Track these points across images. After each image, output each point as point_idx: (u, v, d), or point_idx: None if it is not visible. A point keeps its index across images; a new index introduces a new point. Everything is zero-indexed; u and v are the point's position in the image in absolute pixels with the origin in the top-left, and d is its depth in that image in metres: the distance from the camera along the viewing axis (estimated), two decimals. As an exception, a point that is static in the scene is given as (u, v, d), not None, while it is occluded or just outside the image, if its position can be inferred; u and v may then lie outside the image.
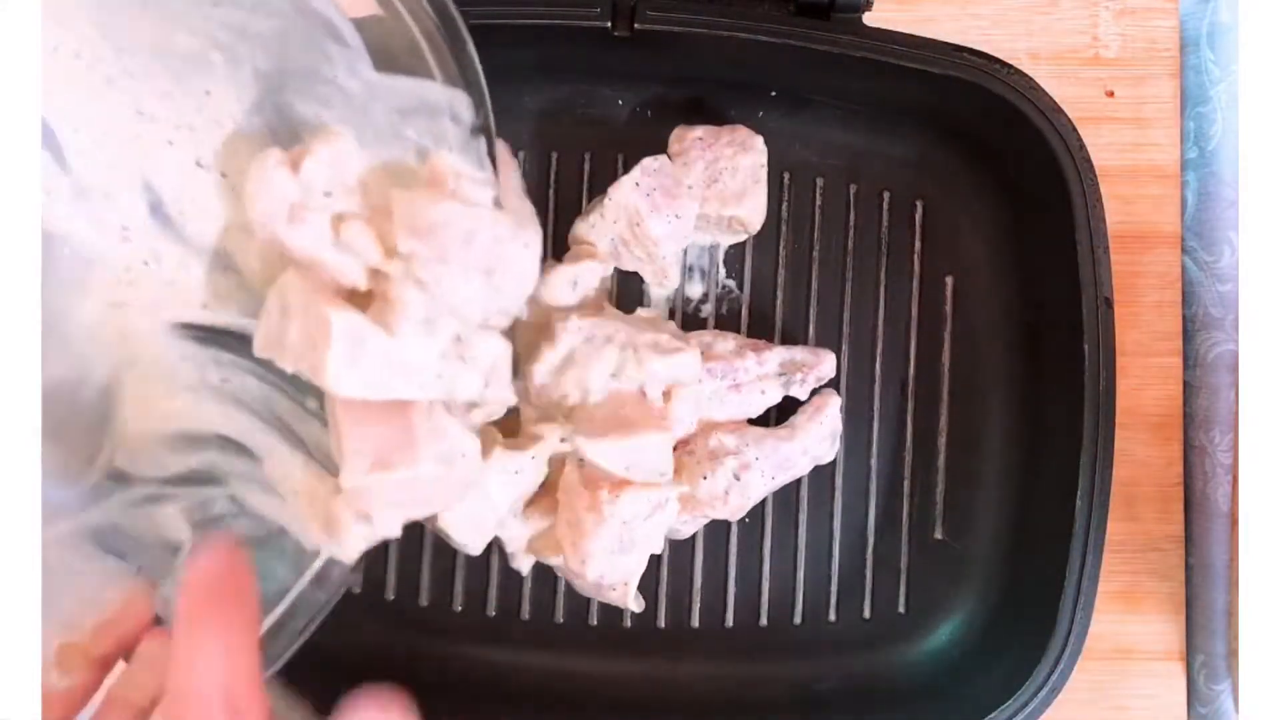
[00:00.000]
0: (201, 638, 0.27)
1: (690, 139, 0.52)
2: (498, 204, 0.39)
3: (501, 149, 0.52)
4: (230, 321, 0.38)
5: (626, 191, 0.50)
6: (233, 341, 0.38)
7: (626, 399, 0.49)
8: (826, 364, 0.51)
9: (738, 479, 0.49)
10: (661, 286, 0.53)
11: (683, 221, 0.50)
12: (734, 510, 0.50)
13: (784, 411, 0.52)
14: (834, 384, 0.53)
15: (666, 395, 0.49)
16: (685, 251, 0.53)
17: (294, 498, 0.37)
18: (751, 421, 0.52)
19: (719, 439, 0.50)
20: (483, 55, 0.52)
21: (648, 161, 0.50)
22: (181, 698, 0.27)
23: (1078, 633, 0.47)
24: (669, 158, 0.51)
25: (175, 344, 0.38)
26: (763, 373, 0.51)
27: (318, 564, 0.39)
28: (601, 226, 0.51)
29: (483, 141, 0.40)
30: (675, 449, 0.50)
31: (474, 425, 0.47)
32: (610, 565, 0.48)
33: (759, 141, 0.52)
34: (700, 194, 0.51)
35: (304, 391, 0.38)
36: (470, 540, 0.49)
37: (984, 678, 0.49)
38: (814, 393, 0.52)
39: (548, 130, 0.54)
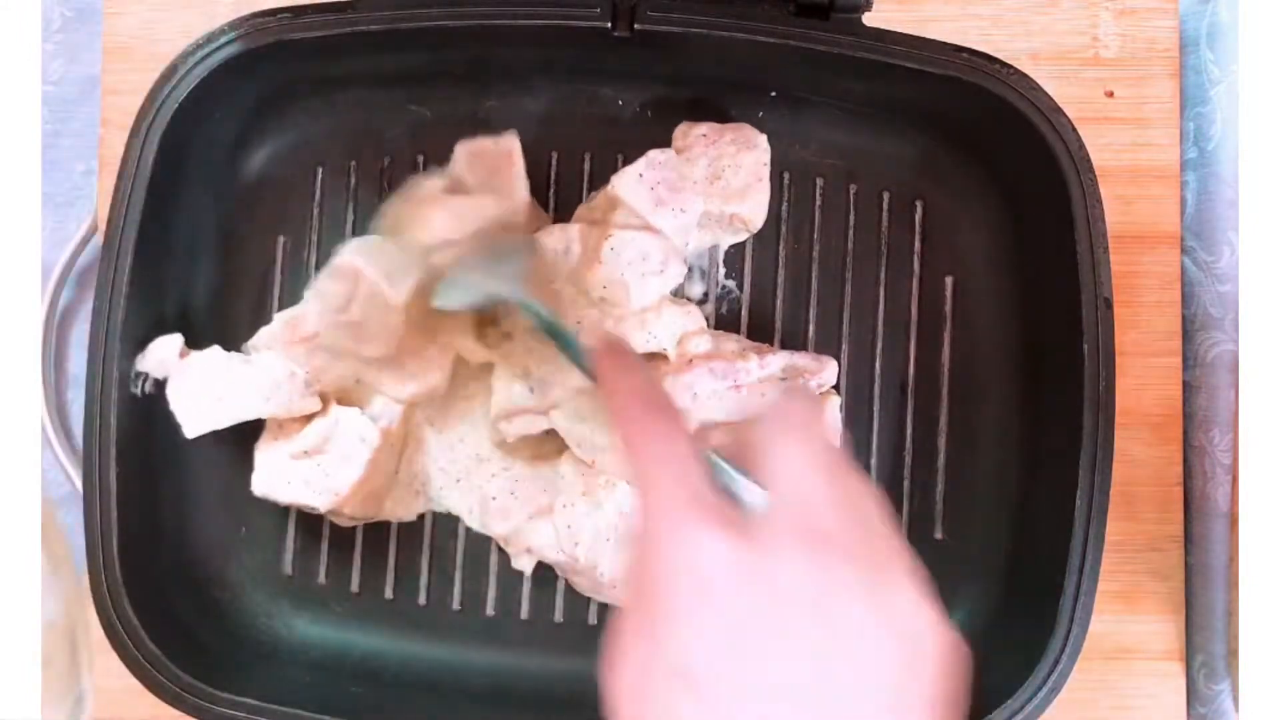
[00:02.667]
0: (629, 370, 0.37)
1: (694, 135, 0.52)
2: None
3: (509, 140, 0.52)
4: None
5: (630, 183, 0.50)
6: None
7: None
8: (828, 370, 0.51)
9: None
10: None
11: (688, 216, 0.50)
12: None
13: (784, 411, 0.52)
14: (834, 384, 0.53)
15: (682, 350, 0.50)
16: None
17: None
18: (751, 422, 0.52)
19: (717, 441, 0.50)
20: (484, 55, 0.52)
21: (654, 154, 0.50)
22: (622, 399, 0.35)
23: (1077, 633, 0.47)
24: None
25: None
26: (764, 375, 0.51)
27: None
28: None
29: None
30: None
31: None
32: (601, 553, 0.48)
33: (763, 140, 0.52)
34: (703, 189, 0.51)
35: None
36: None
37: (984, 678, 0.49)
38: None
39: (548, 130, 0.54)
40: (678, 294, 0.53)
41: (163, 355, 0.48)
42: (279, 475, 0.49)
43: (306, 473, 0.49)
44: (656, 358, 0.50)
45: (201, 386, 0.48)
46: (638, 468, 0.33)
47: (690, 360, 0.50)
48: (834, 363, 0.51)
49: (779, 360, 0.51)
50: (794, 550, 0.30)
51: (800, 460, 0.33)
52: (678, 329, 0.50)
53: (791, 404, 0.36)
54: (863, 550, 0.31)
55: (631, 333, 0.49)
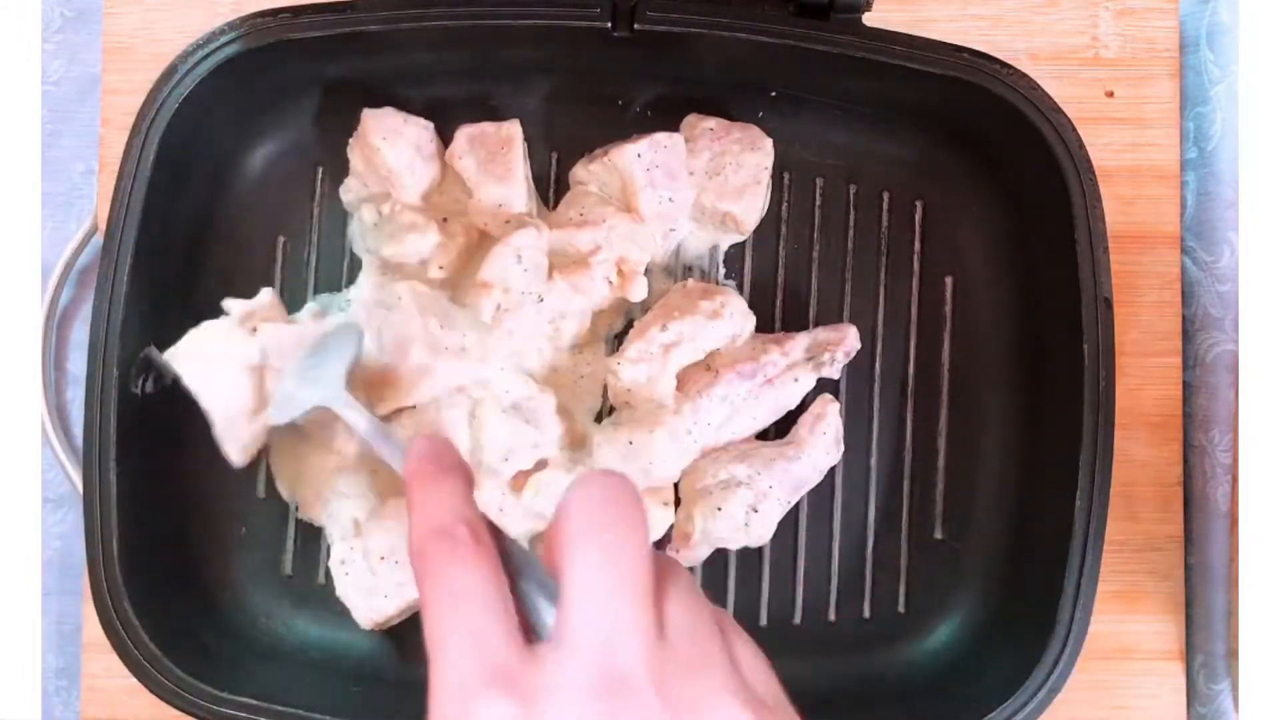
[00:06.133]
0: (431, 487, 0.31)
1: (701, 128, 0.52)
2: None
3: (510, 126, 0.52)
4: None
5: (628, 159, 0.50)
6: None
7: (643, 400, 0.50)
8: (851, 337, 0.51)
9: (756, 511, 0.49)
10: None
11: (675, 206, 0.50)
12: (757, 538, 0.50)
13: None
14: (834, 384, 0.53)
15: (706, 363, 0.50)
16: (679, 248, 0.53)
17: None
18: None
19: (728, 470, 0.50)
20: (484, 55, 0.52)
21: (660, 136, 0.50)
22: (417, 525, 0.30)
23: (1077, 633, 0.47)
24: (677, 142, 0.51)
25: None
26: (790, 361, 0.51)
27: None
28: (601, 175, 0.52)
29: None
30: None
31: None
32: None
33: (768, 144, 0.52)
34: (701, 182, 0.51)
35: None
36: None
37: (984, 678, 0.49)
38: (810, 400, 0.52)
39: (548, 130, 0.54)
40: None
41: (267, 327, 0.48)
42: (376, 596, 0.50)
43: (398, 575, 0.49)
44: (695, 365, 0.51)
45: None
46: (426, 618, 0.29)
47: (716, 371, 0.50)
48: (853, 328, 0.51)
49: (800, 342, 0.51)
50: (579, 708, 0.25)
51: (596, 579, 0.27)
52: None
53: (586, 497, 0.29)
54: (682, 695, 0.26)
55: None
